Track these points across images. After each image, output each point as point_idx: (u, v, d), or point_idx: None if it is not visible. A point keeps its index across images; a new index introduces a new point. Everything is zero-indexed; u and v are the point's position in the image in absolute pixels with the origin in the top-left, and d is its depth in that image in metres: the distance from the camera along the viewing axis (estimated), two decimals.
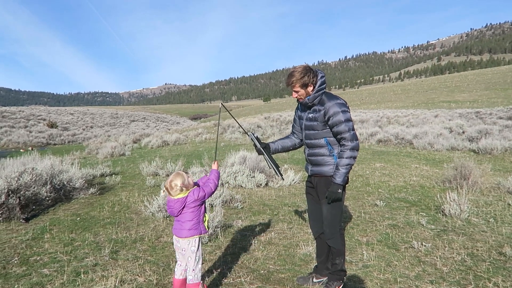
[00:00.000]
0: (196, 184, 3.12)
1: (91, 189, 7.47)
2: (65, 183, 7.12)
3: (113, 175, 10.00)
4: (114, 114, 77.32)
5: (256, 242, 4.46)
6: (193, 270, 2.97)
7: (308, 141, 3.37)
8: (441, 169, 9.31)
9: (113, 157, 16.69)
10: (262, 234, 4.75)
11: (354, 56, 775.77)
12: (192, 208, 2.93)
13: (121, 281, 3.39)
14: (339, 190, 3.12)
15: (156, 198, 5.82)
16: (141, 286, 3.33)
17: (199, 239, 3.02)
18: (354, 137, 3.09)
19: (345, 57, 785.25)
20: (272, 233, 4.81)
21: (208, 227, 3.10)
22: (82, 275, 3.55)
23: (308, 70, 3.18)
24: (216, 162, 3.23)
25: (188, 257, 2.97)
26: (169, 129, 42.32)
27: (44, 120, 47.96)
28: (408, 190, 7.18)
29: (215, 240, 4.51)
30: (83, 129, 46.07)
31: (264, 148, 3.43)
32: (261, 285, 3.36)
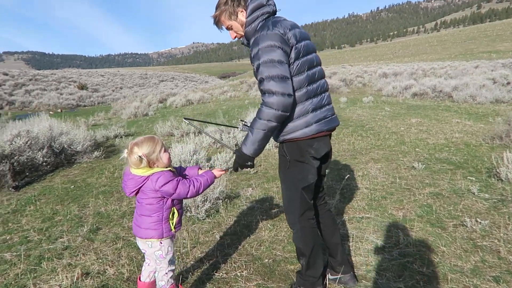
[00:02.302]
0: (178, 170, 2.21)
1: (96, 152, 6.87)
2: (65, 146, 6.54)
3: (127, 136, 9.44)
4: (143, 75, 77.37)
5: (265, 217, 3.65)
6: (165, 274, 2.14)
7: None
8: (487, 124, 8.07)
9: (136, 117, 16.35)
10: (274, 207, 3.93)
11: (386, 7, 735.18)
12: (151, 199, 2.01)
13: (85, 273, 2.70)
14: (249, 163, 2.15)
15: None
16: (107, 281, 2.61)
17: (169, 240, 2.13)
18: (271, 89, 1.98)
19: (377, 8, 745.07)
20: None
21: (174, 228, 2.10)
22: (44, 263, 2.90)
23: None
24: (220, 170, 2.25)
25: (156, 260, 2.13)
26: (197, 88, 41.69)
27: (75, 82, 48.40)
28: (451, 149, 6.09)
29: (215, 216, 3.73)
30: (113, 90, 46.22)
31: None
32: (261, 283, 2.54)
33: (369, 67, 36.71)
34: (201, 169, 2.26)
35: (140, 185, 1.97)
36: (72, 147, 6.63)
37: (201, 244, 3.14)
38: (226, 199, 4.05)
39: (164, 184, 1.94)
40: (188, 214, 3.65)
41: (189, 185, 2.01)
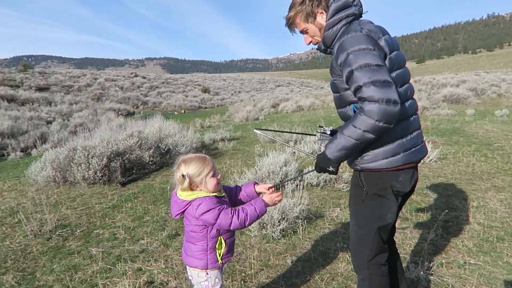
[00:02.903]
0: (231, 191, 2.02)
1: None
2: (170, 147, 6.97)
3: (230, 140, 9.72)
4: (261, 80, 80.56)
5: (346, 246, 3.23)
6: None
7: (338, 111, 2.01)
8: None
9: (247, 121, 16.96)
10: None
11: None
12: (193, 226, 1.84)
13: (149, 282, 2.71)
14: (330, 168, 1.84)
15: (256, 170, 5.03)
16: None
17: (217, 271, 1.93)
18: (377, 95, 1.60)
19: None
20: None
21: (221, 259, 1.90)
22: (118, 265, 3.01)
23: None
24: (272, 190, 1.98)
25: None
26: (310, 94, 41.59)
27: (199, 85, 52.64)
28: None
29: (291, 237, 3.45)
30: (231, 94, 49.04)
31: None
32: None
33: (509, 75, 31.97)
34: (258, 184, 2.03)
35: (183, 209, 1.82)
36: (176, 148, 7.04)
37: (269, 268, 2.91)
38: (306, 219, 3.74)
39: (205, 213, 1.75)
40: (264, 231, 3.46)
41: (232, 216, 1.77)
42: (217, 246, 1.87)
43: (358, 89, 1.67)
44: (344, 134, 1.73)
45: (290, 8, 1.94)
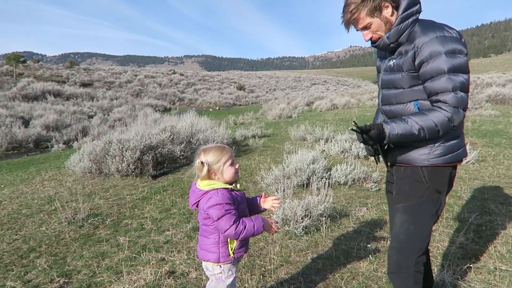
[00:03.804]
0: (239, 194, 1.93)
1: None
2: (202, 143, 7.09)
3: (261, 137, 9.74)
4: (297, 78, 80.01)
5: (369, 246, 3.17)
6: None
7: (387, 108, 1.98)
8: None
9: (280, 119, 16.94)
10: (384, 233, 3.41)
11: None
12: (203, 220, 1.87)
13: (170, 272, 2.78)
14: (374, 144, 1.89)
15: (284, 166, 5.04)
16: (186, 285, 2.62)
17: (230, 264, 1.93)
18: (460, 103, 1.71)
19: None
20: None
21: (233, 253, 1.90)
22: (143, 254, 3.10)
23: None
24: (277, 203, 2.04)
25: (215, 281, 1.97)
26: (346, 93, 40.90)
27: (235, 83, 53.02)
28: None
29: (314, 234, 3.41)
30: (266, 92, 49.06)
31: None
32: None
33: None
34: (262, 198, 2.05)
35: (199, 199, 1.85)
36: (207, 143, 7.15)
37: (289, 264, 2.90)
38: (330, 217, 3.69)
39: (212, 206, 1.77)
40: (286, 227, 3.45)
41: (232, 224, 1.76)
42: (229, 240, 1.88)
43: (444, 92, 1.71)
44: (418, 123, 1.74)
45: (350, 3, 1.84)
